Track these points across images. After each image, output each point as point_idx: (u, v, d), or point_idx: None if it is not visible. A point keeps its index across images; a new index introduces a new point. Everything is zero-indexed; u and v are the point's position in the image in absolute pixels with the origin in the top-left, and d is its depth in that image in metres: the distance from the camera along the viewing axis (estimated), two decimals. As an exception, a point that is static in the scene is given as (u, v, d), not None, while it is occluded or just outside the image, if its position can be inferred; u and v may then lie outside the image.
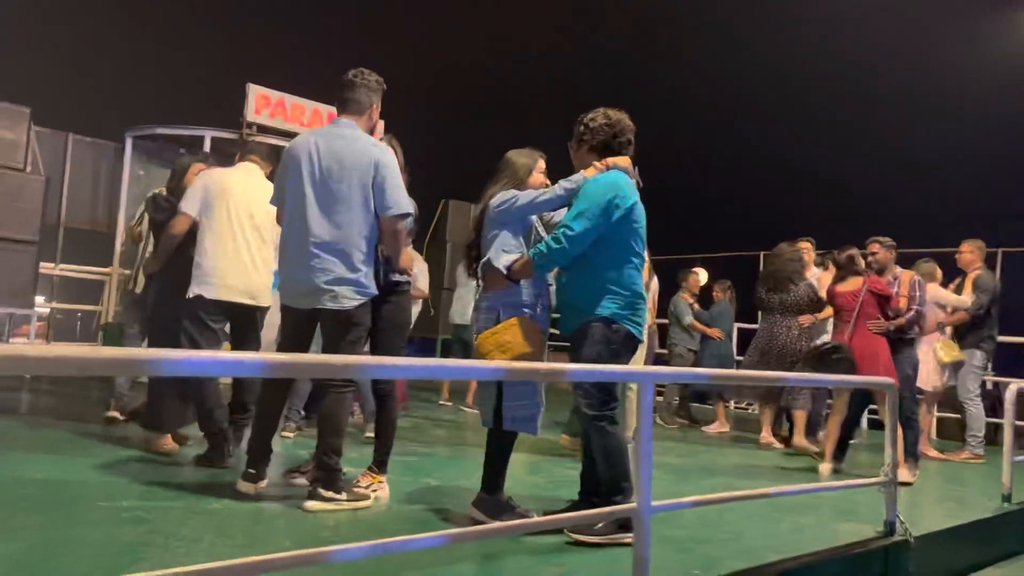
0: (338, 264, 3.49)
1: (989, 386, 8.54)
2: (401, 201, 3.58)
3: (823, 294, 6.26)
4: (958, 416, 7.29)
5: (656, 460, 2.61)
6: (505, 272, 3.33)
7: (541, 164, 3.60)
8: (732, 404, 9.10)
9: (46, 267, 8.51)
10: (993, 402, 7.98)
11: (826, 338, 6.25)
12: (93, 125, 9.74)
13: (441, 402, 8.55)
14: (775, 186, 23.85)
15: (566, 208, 3.42)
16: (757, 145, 24.55)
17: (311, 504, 3.44)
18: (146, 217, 5.25)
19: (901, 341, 5.79)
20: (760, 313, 6.93)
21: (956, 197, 20.77)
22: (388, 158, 3.61)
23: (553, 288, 3.53)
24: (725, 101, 25.42)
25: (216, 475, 4.02)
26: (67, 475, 3.87)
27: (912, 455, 5.60)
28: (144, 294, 5.05)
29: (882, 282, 5.86)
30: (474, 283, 7.64)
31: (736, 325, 9.19)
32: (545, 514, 3.29)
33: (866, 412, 8.00)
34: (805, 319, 6.51)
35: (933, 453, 6.94)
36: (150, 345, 4.72)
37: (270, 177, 4.31)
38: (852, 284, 5.78)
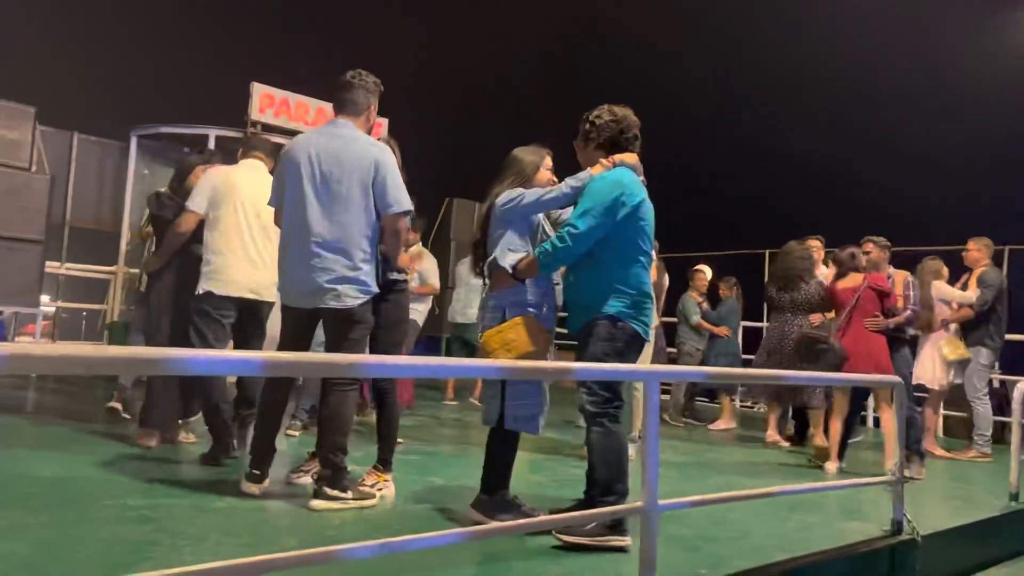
0: (340, 263, 3.50)
1: (996, 384, 8.50)
2: (402, 199, 3.60)
3: None
4: (965, 415, 7.25)
5: (662, 458, 2.60)
6: (510, 271, 3.32)
7: (548, 161, 3.58)
8: (738, 402, 9.07)
9: (51, 266, 8.52)
10: (1000, 400, 7.95)
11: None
12: (98, 124, 9.75)
13: (446, 401, 8.54)
14: (780, 184, 23.79)
15: (573, 206, 3.39)
16: (762, 143, 24.49)
17: (317, 503, 3.44)
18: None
19: (897, 340, 5.80)
20: (769, 312, 6.88)
21: (963, 195, 20.70)
22: (387, 157, 3.63)
23: (560, 287, 3.50)
24: (730, 99, 25.37)
25: (221, 474, 4.03)
26: (73, 473, 3.87)
27: (917, 452, 5.59)
28: (146, 292, 5.05)
29: (883, 279, 5.85)
30: (473, 282, 7.71)
31: (741, 324, 9.17)
32: (551, 513, 3.28)
33: (872, 411, 8.00)
34: (816, 318, 6.48)
35: (939, 452, 6.91)
36: (150, 343, 4.71)
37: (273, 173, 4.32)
38: (852, 281, 5.79)
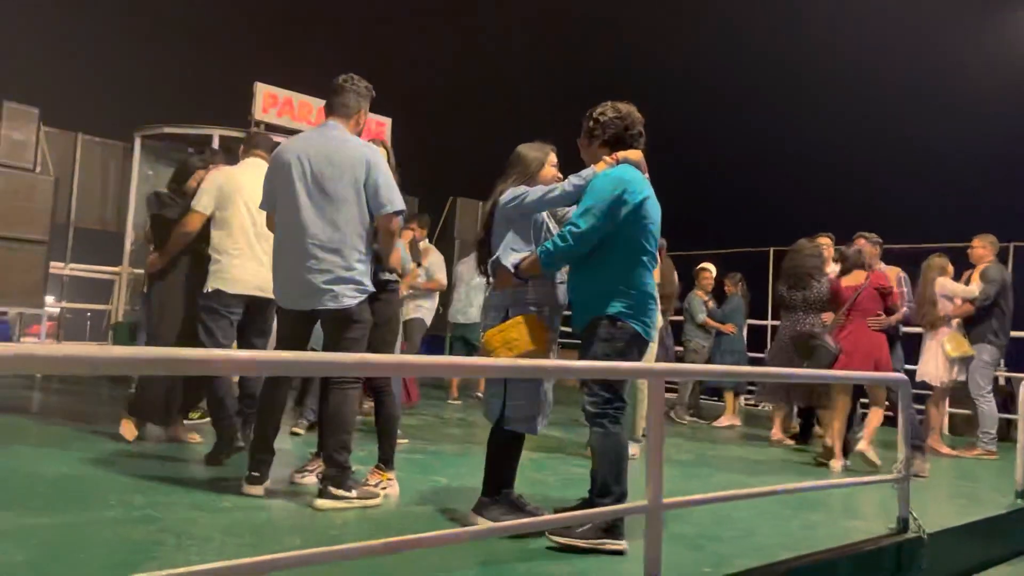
0: (336, 263, 3.52)
1: (1002, 382, 8.48)
2: (395, 199, 3.62)
3: None
4: (970, 412, 7.22)
5: (666, 457, 2.59)
6: (513, 271, 3.28)
7: (552, 158, 3.54)
8: (742, 400, 9.06)
9: (56, 267, 8.55)
10: (1005, 398, 7.92)
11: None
12: (102, 125, 9.78)
13: (450, 400, 8.55)
14: (785, 182, 23.76)
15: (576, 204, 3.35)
16: (766, 141, 24.45)
17: (321, 503, 3.44)
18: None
19: (890, 337, 5.80)
20: (780, 310, 6.82)
21: (969, 192, 20.66)
22: (378, 158, 3.66)
23: (564, 286, 3.44)
24: (734, 97, 25.33)
25: (226, 473, 4.02)
26: (78, 473, 3.88)
27: (917, 449, 5.59)
28: (147, 291, 5.05)
29: (885, 278, 5.85)
30: (474, 282, 7.71)
31: (747, 321, 9.17)
32: (555, 511, 3.27)
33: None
34: (828, 316, 6.46)
35: (945, 450, 6.89)
36: (151, 342, 4.71)
37: None
38: (856, 278, 5.78)
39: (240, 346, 4.58)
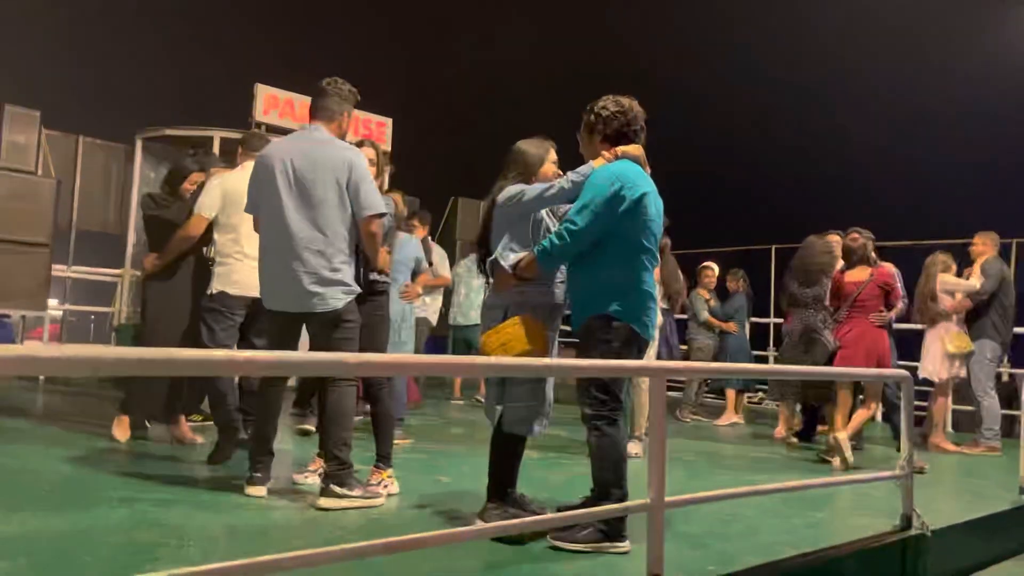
0: (322, 265, 3.54)
1: (1005, 378, 8.46)
2: (376, 202, 3.64)
3: None
4: (974, 408, 7.20)
5: (668, 455, 2.58)
6: (511, 271, 3.23)
7: (552, 154, 3.48)
8: (745, 398, 9.05)
9: (58, 269, 8.56)
10: (1009, 394, 7.90)
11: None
12: (103, 127, 9.79)
13: (453, 400, 8.55)
14: (787, 179, 23.72)
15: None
16: (768, 138, 24.42)
17: (324, 501, 3.45)
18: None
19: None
20: (790, 307, 6.77)
21: (970, 190, 20.62)
22: (360, 160, 3.67)
23: (564, 286, 3.38)
24: (735, 94, 25.30)
25: (230, 474, 4.02)
26: (82, 475, 3.90)
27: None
28: (142, 292, 5.03)
29: (888, 276, 5.84)
30: (474, 282, 7.70)
31: (750, 320, 9.16)
32: (558, 509, 3.26)
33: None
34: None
35: (949, 446, 6.88)
36: (144, 343, 4.71)
37: None
38: (860, 274, 5.77)
39: (240, 346, 4.60)
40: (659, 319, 5.90)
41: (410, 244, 5.70)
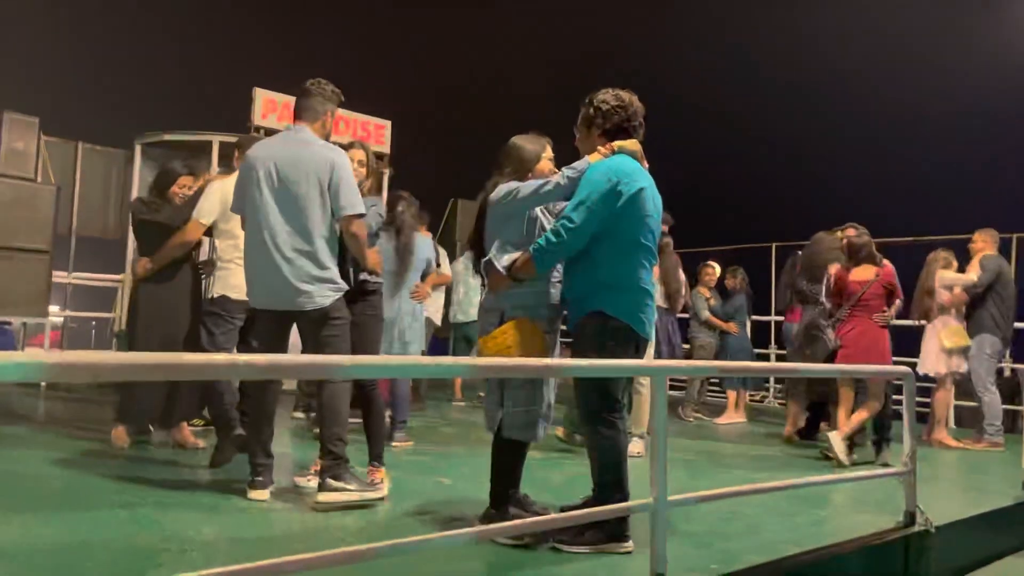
0: (308, 264, 3.57)
1: (1007, 373, 8.45)
2: (355, 201, 3.66)
3: None
4: (976, 404, 7.19)
5: (670, 455, 2.58)
6: (506, 272, 3.14)
7: (549, 151, 3.41)
8: (748, 396, 9.04)
9: (59, 276, 8.56)
10: (1012, 389, 7.89)
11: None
12: (102, 133, 9.79)
13: (455, 402, 8.55)
14: (787, 177, 23.71)
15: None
16: (767, 137, 24.40)
17: (322, 496, 3.48)
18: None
19: None
20: (799, 305, 6.74)
21: (969, 186, 20.61)
22: (343, 160, 3.70)
23: (562, 285, 3.30)
24: (734, 93, 25.30)
25: (230, 478, 4.02)
26: (83, 481, 3.89)
27: (886, 440, 5.63)
28: (132, 297, 5.00)
29: (893, 275, 5.84)
30: (472, 280, 7.69)
31: (751, 318, 9.15)
32: (561, 509, 3.25)
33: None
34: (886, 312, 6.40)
35: (951, 442, 6.87)
36: (136, 348, 4.70)
37: None
38: (865, 273, 5.76)
39: (239, 349, 4.62)
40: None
41: (425, 244, 5.72)
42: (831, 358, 5.66)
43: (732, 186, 24.94)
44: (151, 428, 5.00)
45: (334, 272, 3.66)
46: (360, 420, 4.02)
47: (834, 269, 6.16)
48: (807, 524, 3.72)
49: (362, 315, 3.97)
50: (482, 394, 8.07)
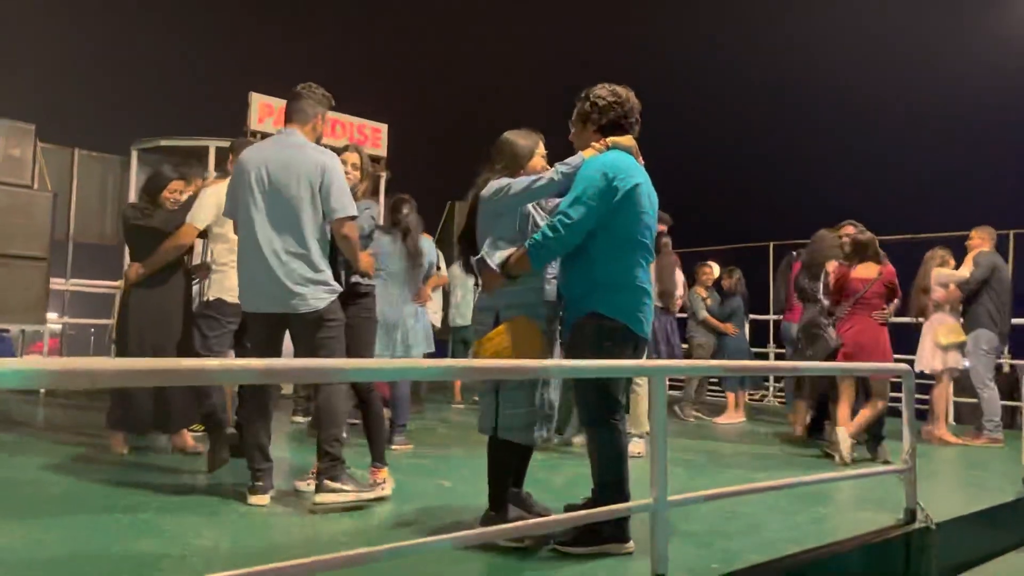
0: (302, 266, 3.58)
1: (1006, 369, 8.46)
2: (347, 204, 3.67)
3: None
4: (975, 400, 7.20)
5: (670, 455, 2.58)
6: (499, 269, 3.07)
7: (541, 147, 3.36)
8: (747, 395, 9.04)
9: (56, 283, 8.54)
10: (1011, 385, 7.90)
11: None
12: (98, 139, 9.80)
13: (454, 404, 8.54)
14: (785, 176, 23.73)
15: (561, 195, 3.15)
16: (766, 136, 24.42)
17: (320, 497, 3.49)
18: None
19: None
20: (802, 302, 6.74)
21: (967, 183, 20.63)
22: (333, 162, 3.71)
23: (556, 281, 3.23)
24: (733, 91, 25.31)
25: (232, 483, 4.02)
26: (84, 487, 3.89)
27: (877, 437, 5.66)
28: (123, 301, 4.98)
29: (894, 274, 5.85)
30: (470, 283, 7.67)
31: (748, 317, 9.16)
32: (567, 509, 3.24)
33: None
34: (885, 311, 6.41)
35: (951, 438, 6.87)
36: (128, 354, 4.67)
37: None
38: (867, 271, 5.76)
39: (237, 352, 4.65)
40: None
41: (428, 247, 5.73)
42: (833, 356, 5.65)
43: (730, 186, 24.97)
44: (151, 433, 4.99)
45: (328, 274, 3.67)
46: (359, 421, 4.03)
47: (832, 266, 6.16)
48: (807, 522, 3.72)
49: (356, 317, 3.99)
50: (476, 397, 8.09)
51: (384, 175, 9.40)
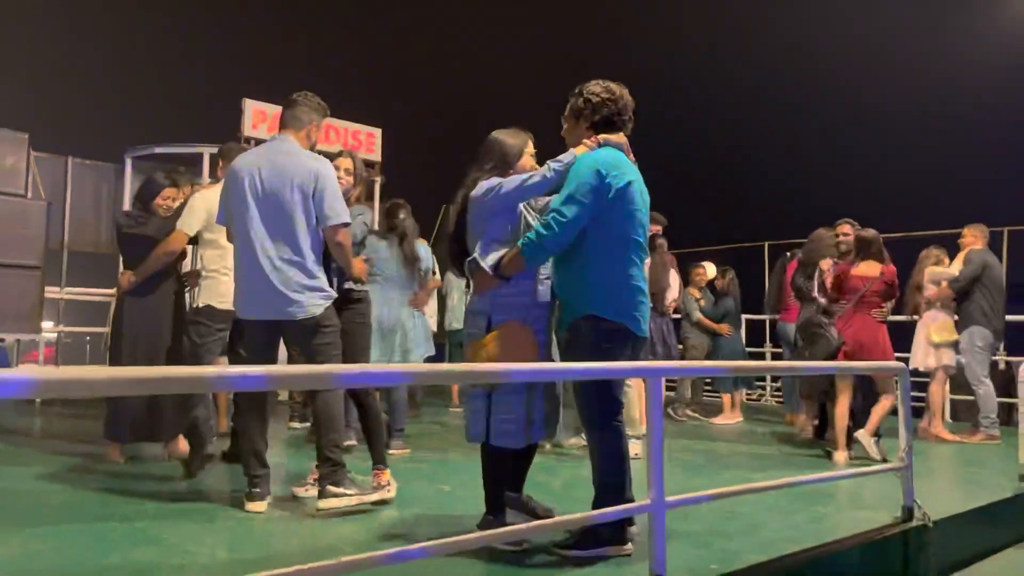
0: (297, 273, 3.58)
1: (1002, 366, 8.48)
2: (340, 210, 3.67)
3: None
4: (972, 398, 7.21)
5: (668, 455, 2.58)
6: (492, 271, 3.03)
7: (531, 146, 3.33)
8: (744, 395, 9.05)
9: (51, 291, 8.52)
10: (1007, 382, 7.91)
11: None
12: (91, 147, 9.78)
13: (452, 408, 8.54)
14: (781, 176, 23.78)
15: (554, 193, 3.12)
16: (764, 135, 24.47)
17: (323, 503, 3.49)
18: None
19: None
20: (800, 301, 6.74)
21: (963, 180, 20.70)
22: (327, 169, 3.71)
23: (550, 282, 3.19)
24: (728, 91, 25.36)
25: (230, 490, 4.01)
26: (81, 496, 3.88)
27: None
28: (117, 309, 4.96)
29: (895, 275, 5.86)
30: (464, 284, 7.67)
31: (743, 317, 9.17)
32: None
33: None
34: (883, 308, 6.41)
35: (948, 436, 6.89)
36: (122, 362, 4.67)
37: None
38: (869, 269, 5.76)
39: (230, 358, 4.62)
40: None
41: (424, 251, 5.74)
42: (834, 356, 5.63)
43: (726, 185, 25.01)
44: (143, 441, 4.97)
45: (323, 280, 3.67)
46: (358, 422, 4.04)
47: (826, 264, 6.16)
48: (806, 522, 3.72)
49: (350, 323, 4.00)
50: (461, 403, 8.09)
51: (379, 180, 9.40)
